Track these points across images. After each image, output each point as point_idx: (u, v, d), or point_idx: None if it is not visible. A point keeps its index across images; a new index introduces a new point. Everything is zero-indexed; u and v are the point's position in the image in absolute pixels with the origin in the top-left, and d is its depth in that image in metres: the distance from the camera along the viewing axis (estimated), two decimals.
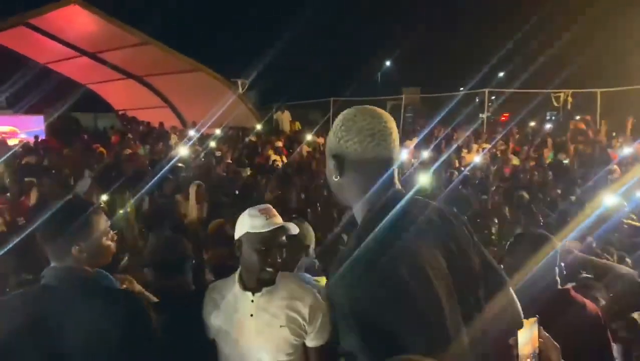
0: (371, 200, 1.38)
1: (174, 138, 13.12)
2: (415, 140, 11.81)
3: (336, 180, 1.42)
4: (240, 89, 15.62)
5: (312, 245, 2.60)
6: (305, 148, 12.03)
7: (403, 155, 9.64)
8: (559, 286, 2.25)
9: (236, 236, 2.07)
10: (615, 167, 8.09)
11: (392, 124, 1.41)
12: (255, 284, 2.05)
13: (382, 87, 27.07)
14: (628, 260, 4.10)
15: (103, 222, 1.86)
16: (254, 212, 2.04)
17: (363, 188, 1.39)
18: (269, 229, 1.99)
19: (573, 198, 6.60)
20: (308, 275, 2.53)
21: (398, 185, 1.42)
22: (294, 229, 2.08)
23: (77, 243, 1.75)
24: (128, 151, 10.38)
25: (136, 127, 15.04)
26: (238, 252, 2.07)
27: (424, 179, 6.67)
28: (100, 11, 12.09)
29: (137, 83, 16.09)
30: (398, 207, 1.35)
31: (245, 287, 2.06)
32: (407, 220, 1.34)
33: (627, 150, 8.79)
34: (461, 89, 19.64)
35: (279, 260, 2.02)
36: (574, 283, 2.82)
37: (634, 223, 5.20)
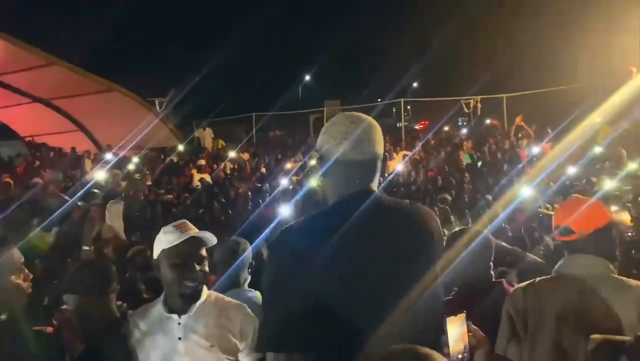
0: (338, 197, 1.48)
1: (88, 163, 12.47)
2: None
3: (320, 179, 1.56)
4: (158, 108, 15.18)
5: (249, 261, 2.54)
6: (228, 165, 11.88)
7: None
8: (493, 280, 2.37)
9: (154, 257, 2.00)
10: (525, 166, 8.67)
11: (371, 130, 1.51)
12: (180, 305, 1.96)
13: (303, 100, 27.36)
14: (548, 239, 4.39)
15: (13, 258, 1.68)
16: (168, 229, 1.99)
17: (337, 187, 1.50)
18: (182, 240, 1.92)
19: (489, 196, 6.96)
20: (250, 291, 2.47)
21: (371, 187, 1.49)
22: (211, 239, 2.02)
23: None
24: (37, 180, 9.75)
25: (46, 154, 14.14)
26: (158, 272, 1.99)
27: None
28: (1, 32, 11.28)
29: (44, 107, 15.13)
30: (350, 202, 1.44)
31: (170, 310, 1.97)
32: (350, 213, 1.40)
33: (535, 149, 9.44)
34: (379, 99, 20.33)
35: (200, 273, 1.95)
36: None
37: (548, 212, 5.58)
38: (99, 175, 8.72)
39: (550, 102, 12.85)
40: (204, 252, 1.99)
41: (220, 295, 2.11)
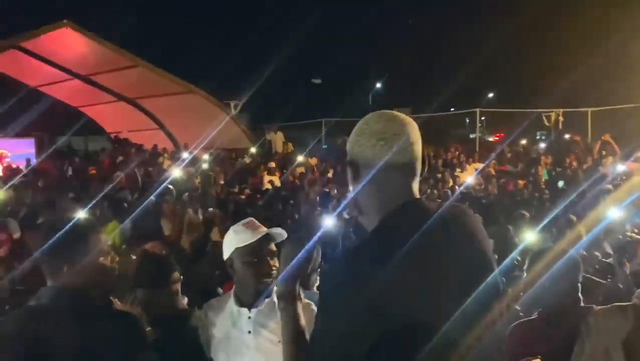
0: (384, 208, 1.27)
1: (165, 161, 13.04)
2: None
3: (352, 188, 1.33)
4: (232, 110, 15.64)
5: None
6: (298, 170, 12.01)
7: None
8: (582, 304, 2.22)
9: (225, 256, 2.07)
10: (609, 186, 8.13)
11: (411, 129, 1.31)
12: (252, 300, 2.03)
13: (373, 107, 27.23)
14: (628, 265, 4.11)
15: (100, 241, 1.79)
16: (238, 228, 2.06)
17: (376, 196, 1.29)
18: (255, 239, 1.99)
19: (572, 216, 6.58)
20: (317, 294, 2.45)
21: (415, 194, 1.31)
22: (281, 234, 2.06)
23: (70, 262, 1.69)
24: (118, 174, 10.31)
25: (128, 150, 14.94)
26: (231, 270, 2.07)
27: None
28: (91, 34, 12.08)
29: (129, 105, 16.05)
30: (412, 216, 1.24)
31: (241, 304, 2.04)
32: (407, 236, 1.18)
33: (620, 168, 8.84)
34: (452, 109, 19.82)
35: (274, 269, 2.00)
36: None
37: (636, 236, 5.21)
38: (176, 172, 9.07)
39: (638, 118, 12.00)
40: (273, 247, 2.05)
41: None
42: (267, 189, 10.28)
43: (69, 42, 12.27)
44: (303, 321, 1.45)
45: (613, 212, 5.35)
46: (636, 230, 5.54)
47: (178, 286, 2.36)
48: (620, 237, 5.18)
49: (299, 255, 1.45)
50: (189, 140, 14.08)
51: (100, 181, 9.23)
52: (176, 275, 2.35)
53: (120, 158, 13.02)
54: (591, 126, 12.94)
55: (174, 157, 13.27)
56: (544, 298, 2.23)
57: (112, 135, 17.43)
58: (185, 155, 12.56)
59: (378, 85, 32.20)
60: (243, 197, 9.52)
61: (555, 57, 21.78)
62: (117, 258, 1.85)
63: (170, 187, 7.03)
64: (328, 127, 17.57)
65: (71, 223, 1.75)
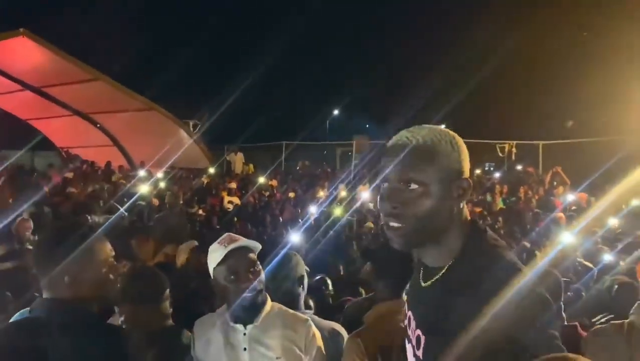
0: (466, 224, 1.27)
1: (117, 177, 12.64)
2: (368, 186, 12.00)
3: (457, 204, 1.26)
4: (192, 129, 15.44)
5: (305, 280, 2.48)
6: (259, 190, 11.95)
7: (363, 197, 9.77)
8: (565, 322, 2.27)
9: (212, 277, 2.03)
10: (561, 214, 8.51)
11: None
12: (245, 316, 1.97)
13: (331, 134, 27.54)
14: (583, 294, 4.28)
15: (105, 251, 1.69)
16: (214, 247, 2.02)
17: (461, 211, 1.27)
18: (225, 253, 1.95)
19: (526, 243, 6.82)
20: (307, 312, 2.42)
21: None
22: (255, 244, 2.03)
23: (71, 272, 1.58)
24: (71, 190, 9.93)
25: (79, 166, 14.40)
26: (217, 290, 2.03)
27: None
28: (49, 44, 11.66)
29: (83, 120, 15.53)
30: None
31: (236, 320, 1.98)
32: None
33: (570, 197, 9.28)
34: None
35: (256, 281, 1.95)
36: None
37: (586, 263, 5.44)
38: (143, 189, 8.82)
39: (587, 152, 12.70)
40: (252, 258, 2.00)
41: (284, 307, 2.09)
42: (227, 210, 10.16)
43: (24, 52, 11.81)
44: None
45: (566, 238, 5.60)
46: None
47: (168, 303, 2.28)
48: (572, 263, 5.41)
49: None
50: (145, 158, 13.74)
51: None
52: (168, 292, 2.28)
53: (71, 174, 12.53)
54: (542, 158, 13.56)
55: (129, 175, 12.90)
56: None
57: (63, 151, 16.79)
58: (142, 173, 12.24)
59: (336, 112, 32.72)
60: (202, 214, 9.37)
61: (505, 92, 22.85)
62: (121, 270, 1.75)
63: (142, 203, 6.83)
64: (289, 150, 17.61)
65: (76, 232, 1.64)
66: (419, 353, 1.28)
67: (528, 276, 1.17)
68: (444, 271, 1.25)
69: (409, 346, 1.36)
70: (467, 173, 1.27)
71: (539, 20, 20.99)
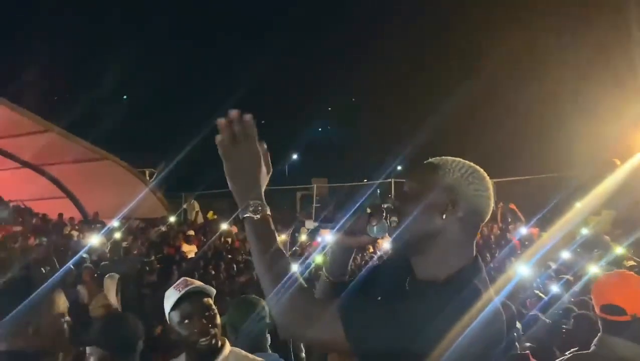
0: (466, 255, 1.26)
1: (72, 231, 12.20)
2: (329, 230, 12.02)
3: (441, 219, 1.25)
4: (148, 178, 15.19)
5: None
6: (222, 237, 11.80)
7: (328, 239, 9.73)
8: (518, 351, 2.30)
9: (168, 322, 2.01)
10: (517, 241, 8.78)
11: None
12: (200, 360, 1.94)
13: (290, 178, 27.68)
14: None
15: (63, 302, 1.64)
16: (169, 292, 2.00)
17: (461, 240, 1.26)
18: (179, 296, 1.93)
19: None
20: (273, 355, 2.38)
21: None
22: (208, 288, 2.02)
23: (36, 324, 1.53)
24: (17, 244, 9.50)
25: (29, 219, 13.83)
26: (174, 336, 1.98)
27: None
28: None
29: (32, 172, 15.00)
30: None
31: None
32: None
33: (523, 231, 9.57)
34: (365, 180, 20.63)
35: (210, 326, 1.92)
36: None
37: (540, 294, 5.60)
38: (94, 240, 8.56)
39: (538, 188, 13.22)
40: (207, 302, 1.97)
41: (243, 352, 2.06)
42: (182, 258, 9.89)
43: None
44: None
45: (522, 270, 5.76)
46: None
47: (138, 353, 2.21)
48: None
49: None
50: (100, 209, 13.34)
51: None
52: (141, 342, 2.21)
53: (19, 228, 12.00)
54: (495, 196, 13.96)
55: (82, 228, 12.48)
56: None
57: (11, 205, 16.09)
58: (95, 224, 11.88)
59: (294, 156, 33.00)
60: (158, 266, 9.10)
61: (458, 132, 23.69)
62: (70, 323, 1.68)
63: (85, 255, 6.61)
64: None
65: (39, 283, 1.60)
66: None
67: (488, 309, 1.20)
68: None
69: None
70: (454, 187, 1.30)
71: (488, 58, 22.06)
